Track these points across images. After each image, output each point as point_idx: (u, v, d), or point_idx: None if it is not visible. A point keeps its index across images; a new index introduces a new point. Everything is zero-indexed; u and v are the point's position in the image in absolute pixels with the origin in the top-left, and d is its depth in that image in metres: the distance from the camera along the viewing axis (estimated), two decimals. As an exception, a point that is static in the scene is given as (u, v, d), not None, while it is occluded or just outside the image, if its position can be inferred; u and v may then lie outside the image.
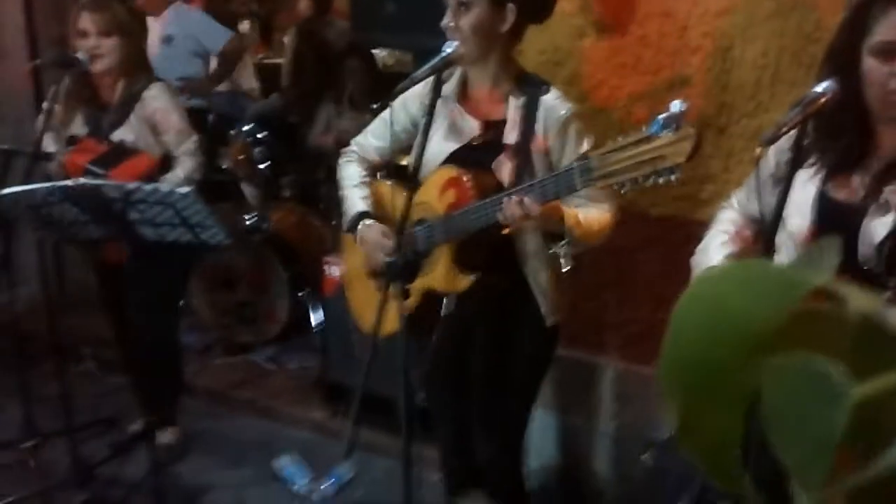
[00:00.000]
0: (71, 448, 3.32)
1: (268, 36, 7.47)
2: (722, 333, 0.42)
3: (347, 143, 2.67)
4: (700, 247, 2.19)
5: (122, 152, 3.19)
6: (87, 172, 3.08)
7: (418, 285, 2.30)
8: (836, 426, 0.37)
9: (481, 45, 2.21)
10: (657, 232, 2.94)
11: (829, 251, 0.41)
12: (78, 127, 3.31)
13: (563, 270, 2.30)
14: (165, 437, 3.66)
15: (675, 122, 1.66)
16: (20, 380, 3.50)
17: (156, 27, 4.66)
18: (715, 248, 2.13)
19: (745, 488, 0.44)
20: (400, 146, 2.52)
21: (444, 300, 2.34)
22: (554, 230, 2.18)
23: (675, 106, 1.66)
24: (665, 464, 2.90)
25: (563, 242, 2.20)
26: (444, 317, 2.36)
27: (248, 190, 4.88)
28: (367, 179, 2.55)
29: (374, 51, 4.73)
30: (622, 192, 1.79)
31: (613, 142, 1.77)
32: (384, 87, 4.55)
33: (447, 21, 2.20)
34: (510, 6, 2.20)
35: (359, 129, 2.69)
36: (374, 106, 4.63)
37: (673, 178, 1.69)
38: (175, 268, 3.42)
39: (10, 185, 2.72)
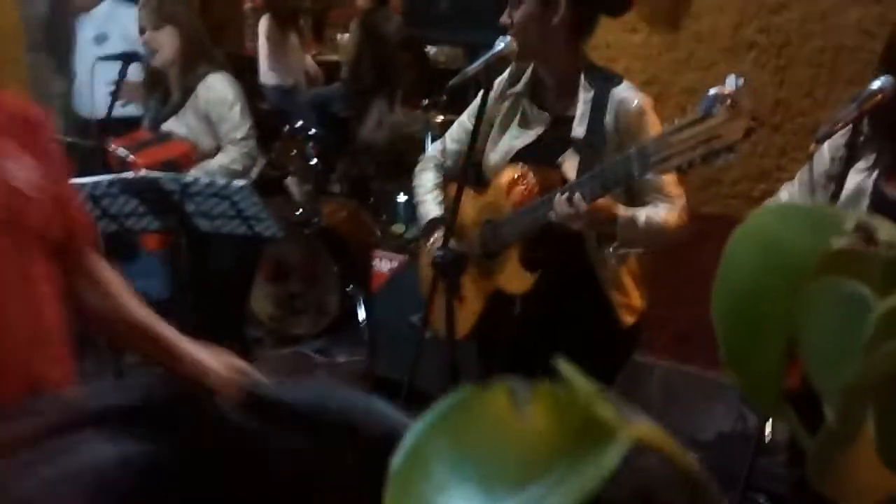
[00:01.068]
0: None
1: (320, 32, 7.54)
2: (770, 264, 0.47)
3: (399, 139, 2.66)
4: None
5: (156, 139, 3.24)
6: (114, 157, 3.16)
7: (486, 287, 2.27)
8: (863, 335, 0.41)
9: (535, 39, 2.17)
10: (708, 230, 2.90)
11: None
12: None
13: (620, 266, 2.22)
14: None
15: (729, 98, 1.61)
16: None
17: (88, 25, 4.42)
18: None
19: (786, 413, 0.48)
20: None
21: (515, 303, 2.27)
22: (605, 230, 2.10)
23: (730, 82, 1.60)
24: (711, 464, 2.88)
25: (614, 243, 2.11)
26: (515, 317, 2.29)
27: (292, 185, 4.92)
28: (441, 184, 2.49)
29: (427, 47, 4.74)
30: (682, 173, 1.73)
31: (669, 125, 1.73)
32: (436, 83, 4.62)
33: (504, 17, 2.17)
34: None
35: (409, 125, 2.68)
36: (426, 102, 4.66)
37: (731, 156, 1.64)
38: (234, 261, 3.45)
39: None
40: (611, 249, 2.12)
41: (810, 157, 1.79)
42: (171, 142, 3.21)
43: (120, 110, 3.53)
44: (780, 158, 2.74)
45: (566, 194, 1.97)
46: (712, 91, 1.60)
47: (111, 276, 1.62)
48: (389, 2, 5.51)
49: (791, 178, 2.26)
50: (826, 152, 1.93)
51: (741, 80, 1.58)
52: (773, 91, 2.68)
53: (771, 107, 2.70)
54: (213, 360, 1.53)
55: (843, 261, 0.43)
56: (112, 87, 3.72)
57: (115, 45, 4.10)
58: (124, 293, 1.62)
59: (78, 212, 1.64)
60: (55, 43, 4.58)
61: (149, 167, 2.96)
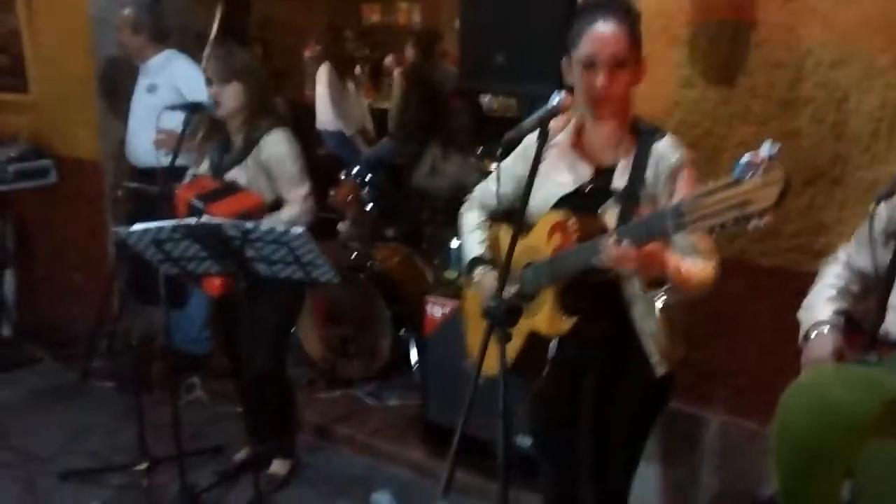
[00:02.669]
0: (180, 473, 3.45)
1: (377, 80, 7.69)
2: (823, 419, 0.48)
3: (453, 186, 2.71)
4: (806, 302, 2.14)
5: (228, 190, 3.31)
6: (189, 206, 3.23)
7: (523, 327, 2.31)
8: None
9: (623, 103, 2.24)
10: (768, 283, 2.89)
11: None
12: (205, 167, 3.49)
13: (659, 315, 2.25)
14: (277, 467, 3.76)
15: (762, 165, 1.62)
16: (136, 405, 3.69)
17: (142, 75, 4.53)
18: (822, 304, 2.08)
19: None
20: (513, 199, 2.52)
21: (551, 343, 2.34)
22: (654, 275, 2.14)
23: (765, 149, 1.61)
24: (769, 521, 2.82)
25: (662, 289, 2.16)
26: (551, 360, 2.35)
27: (344, 229, 4.99)
28: (486, 224, 2.59)
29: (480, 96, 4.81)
30: (713, 235, 1.75)
31: (704, 186, 1.75)
32: (489, 131, 4.67)
33: (604, 80, 2.18)
34: (644, 61, 2.22)
35: (462, 171, 2.73)
36: (479, 149, 4.71)
37: (762, 223, 1.65)
38: (285, 302, 3.52)
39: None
40: (659, 296, 2.15)
41: (870, 216, 1.77)
42: (243, 193, 3.29)
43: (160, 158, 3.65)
44: (840, 212, 2.71)
45: (613, 239, 2.00)
46: (746, 157, 1.62)
47: None
48: (436, 52, 5.61)
49: (850, 232, 2.24)
50: (884, 210, 1.92)
51: (775, 147, 1.60)
52: (832, 145, 2.67)
53: (830, 160, 2.68)
54: None
55: (892, 415, 0.44)
56: (159, 137, 3.86)
57: (164, 96, 4.25)
58: None
59: None
60: (121, 90, 4.74)
61: (226, 217, 3.03)
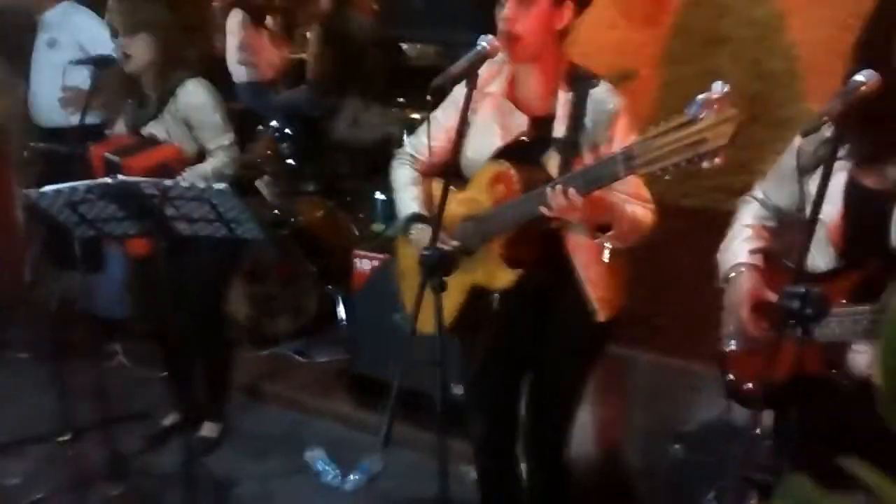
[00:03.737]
0: (106, 441, 3.36)
1: (290, 31, 7.49)
2: None
3: (374, 137, 2.66)
4: (723, 244, 2.17)
5: (144, 143, 3.20)
6: (104, 162, 3.11)
7: (465, 281, 2.29)
8: None
9: (538, 43, 2.20)
10: (690, 223, 2.94)
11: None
12: (121, 125, 3.34)
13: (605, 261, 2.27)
14: (207, 430, 3.70)
15: (716, 103, 1.63)
16: (56, 373, 3.56)
17: (40, 30, 4.32)
18: (738, 245, 2.12)
19: None
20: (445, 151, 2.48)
21: (493, 296, 2.31)
22: (600, 222, 2.15)
23: (716, 87, 1.62)
24: (695, 455, 2.91)
25: (606, 234, 2.17)
26: (493, 313, 2.33)
27: (263, 186, 4.90)
28: (418, 178, 2.53)
29: (401, 45, 4.73)
30: (665, 177, 1.75)
31: (655, 127, 1.74)
32: (412, 81, 4.60)
33: (508, 13, 2.16)
34: (568, 3, 2.18)
35: (384, 122, 2.67)
36: (401, 100, 4.64)
37: (717, 160, 1.66)
38: (214, 263, 3.42)
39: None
40: (605, 241, 2.15)
41: (797, 150, 1.80)
42: (160, 145, 3.18)
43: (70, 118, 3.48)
44: (760, 150, 2.77)
45: (559, 188, 1.98)
46: (700, 96, 1.61)
47: None
48: (351, 3, 5.48)
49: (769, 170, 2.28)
50: (796, 146, 1.96)
51: (727, 86, 1.60)
52: (751, 83, 2.71)
53: (749, 99, 2.72)
54: None
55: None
56: (65, 94, 3.68)
57: (66, 52, 4.05)
58: None
59: None
60: (22, 45, 4.50)
61: (143, 172, 2.93)
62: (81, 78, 3.41)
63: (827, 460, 1.70)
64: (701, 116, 1.63)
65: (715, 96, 1.62)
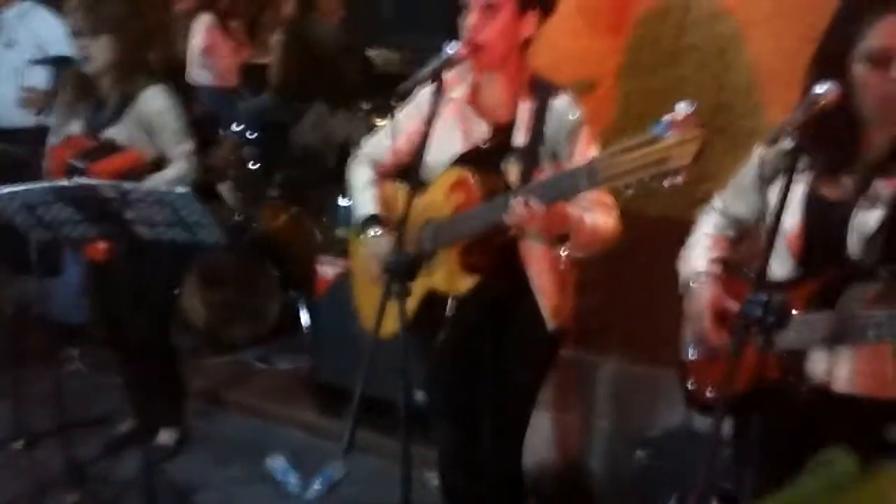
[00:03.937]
0: (62, 447, 3.30)
1: (254, 37, 7.44)
2: None
3: (339, 143, 2.65)
4: (684, 253, 2.20)
5: (107, 148, 3.15)
6: (68, 167, 3.06)
7: (421, 286, 2.29)
8: None
9: (502, 52, 2.21)
10: (652, 231, 2.96)
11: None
12: (77, 126, 3.29)
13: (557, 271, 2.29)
14: (164, 437, 3.65)
15: (681, 123, 1.65)
16: (11, 379, 3.49)
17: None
18: (698, 254, 2.14)
19: None
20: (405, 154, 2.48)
21: (449, 302, 2.33)
22: (558, 233, 2.17)
23: (682, 107, 1.64)
24: (658, 462, 2.93)
25: (565, 245, 2.18)
26: (448, 318, 2.34)
27: (225, 190, 4.86)
28: (376, 180, 2.53)
29: (368, 51, 4.73)
30: (627, 192, 1.77)
31: (619, 143, 1.75)
32: (378, 87, 4.60)
33: (472, 21, 2.17)
34: (531, 13, 2.19)
35: (350, 128, 2.67)
36: (367, 106, 4.64)
37: (679, 179, 1.68)
38: (168, 266, 3.39)
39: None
40: (563, 250, 2.17)
41: (760, 160, 1.82)
42: (124, 150, 3.13)
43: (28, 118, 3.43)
44: (723, 159, 2.78)
45: (521, 198, 1.99)
46: (666, 116, 1.63)
47: None
48: (316, 8, 5.46)
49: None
50: (757, 157, 1.99)
51: (692, 106, 1.62)
52: (715, 94, 2.74)
53: (713, 109, 2.75)
54: None
55: None
56: (26, 95, 3.62)
57: (25, 52, 3.97)
58: None
59: None
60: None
61: (112, 178, 2.88)
62: (40, 79, 3.35)
63: (786, 466, 1.73)
64: (666, 136, 1.65)
65: (680, 117, 1.64)
